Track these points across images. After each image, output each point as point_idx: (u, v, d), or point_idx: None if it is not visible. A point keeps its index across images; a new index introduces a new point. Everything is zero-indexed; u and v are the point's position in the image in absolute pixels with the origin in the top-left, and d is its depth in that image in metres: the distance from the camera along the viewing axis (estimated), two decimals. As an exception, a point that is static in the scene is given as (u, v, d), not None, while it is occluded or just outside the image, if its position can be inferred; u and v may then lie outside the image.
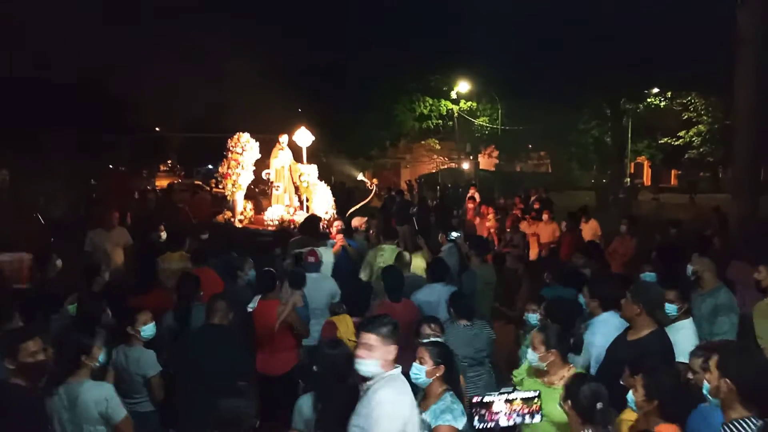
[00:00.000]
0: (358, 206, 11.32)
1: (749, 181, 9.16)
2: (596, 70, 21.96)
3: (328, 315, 5.74)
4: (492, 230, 12.36)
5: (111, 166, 28.24)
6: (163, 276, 6.68)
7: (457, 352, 3.94)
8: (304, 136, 11.56)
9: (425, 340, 3.66)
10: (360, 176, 10.99)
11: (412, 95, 27.09)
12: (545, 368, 3.63)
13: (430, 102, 27.70)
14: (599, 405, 2.85)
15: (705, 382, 2.78)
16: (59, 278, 6.43)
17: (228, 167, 11.34)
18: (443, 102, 28.18)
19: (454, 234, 9.62)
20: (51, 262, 6.50)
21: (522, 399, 3.03)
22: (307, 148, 11.65)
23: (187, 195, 15.86)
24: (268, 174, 11.53)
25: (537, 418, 3.06)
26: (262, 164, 11.72)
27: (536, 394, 3.09)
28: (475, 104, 29.43)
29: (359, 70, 23.64)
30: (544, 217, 11.10)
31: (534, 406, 3.04)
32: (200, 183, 23.95)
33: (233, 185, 11.38)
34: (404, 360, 4.58)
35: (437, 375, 3.32)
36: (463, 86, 27.78)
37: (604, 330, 4.27)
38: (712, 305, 4.81)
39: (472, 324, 4.93)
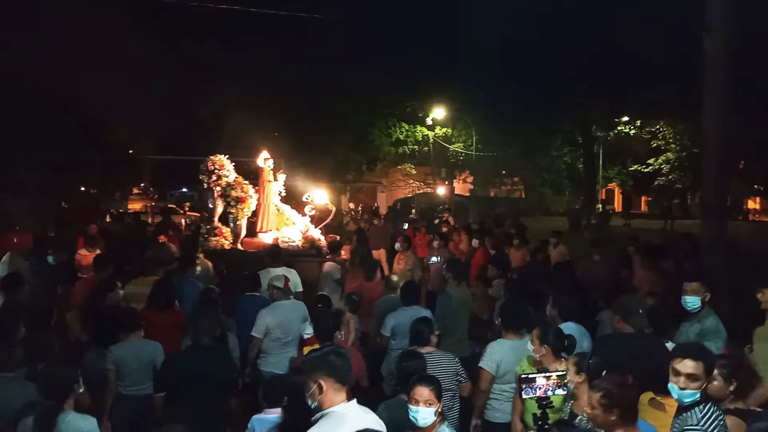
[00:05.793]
0: (321, 226, 11.38)
1: (717, 206, 9.33)
2: (568, 97, 22.47)
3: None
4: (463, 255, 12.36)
5: (83, 188, 27.70)
6: (131, 299, 6.51)
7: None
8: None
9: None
10: (324, 199, 11.07)
11: (388, 120, 27.36)
12: (538, 359, 4.37)
13: (406, 128, 27.99)
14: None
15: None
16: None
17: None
18: (419, 128, 28.50)
19: (434, 258, 9.69)
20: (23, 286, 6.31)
21: (557, 376, 3.69)
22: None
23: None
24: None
25: (564, 390, 3.72)
26: None
27: (565, 372, 3.81)
28: (450, 130, 29.81)
29: (336, 94, 23.80)
30: (515, 242, 11.15)
31: (565, 381, 3.71)
32: (174, 206, 23.67)
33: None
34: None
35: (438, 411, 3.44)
36: (438, 112, 28.13)
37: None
38: (698, 330, 4.89)
39: (430, 353, 4.71)
